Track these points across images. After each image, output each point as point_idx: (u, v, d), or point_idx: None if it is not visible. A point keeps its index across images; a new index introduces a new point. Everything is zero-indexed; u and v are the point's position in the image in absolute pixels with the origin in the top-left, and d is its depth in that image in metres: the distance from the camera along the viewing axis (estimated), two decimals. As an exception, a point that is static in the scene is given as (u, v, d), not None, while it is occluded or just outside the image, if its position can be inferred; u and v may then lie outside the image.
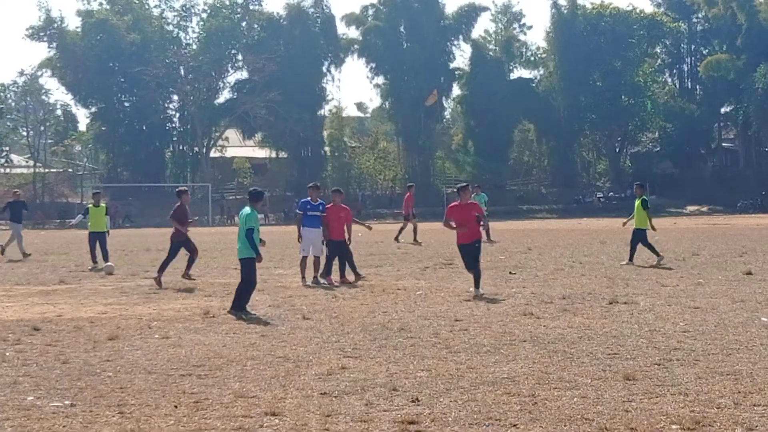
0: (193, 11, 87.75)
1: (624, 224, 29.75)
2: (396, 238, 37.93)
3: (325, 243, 22.72)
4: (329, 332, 14.70)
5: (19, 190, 40.72)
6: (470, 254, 19.75)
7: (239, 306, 16.86)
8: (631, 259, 26.27)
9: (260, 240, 17.50)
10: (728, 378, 10.63)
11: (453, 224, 19.92)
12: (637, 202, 27.15)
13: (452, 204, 20.49)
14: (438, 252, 31.63)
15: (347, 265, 23.01)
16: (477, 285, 19.32)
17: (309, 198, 23.21)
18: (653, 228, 27.33)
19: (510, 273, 24.12)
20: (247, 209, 17.51)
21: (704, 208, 76.66)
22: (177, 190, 24.92)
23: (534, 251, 32.12)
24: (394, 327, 15.03)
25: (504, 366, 11.60)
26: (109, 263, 27.27)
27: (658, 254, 26.13)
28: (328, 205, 23.12)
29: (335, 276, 22.70)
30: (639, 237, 26.64)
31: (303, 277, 22.51)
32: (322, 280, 22.35)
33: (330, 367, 11.63)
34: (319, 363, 12.01)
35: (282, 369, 11.64)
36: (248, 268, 17.35)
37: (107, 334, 14.66)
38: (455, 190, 24.63)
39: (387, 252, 32.89)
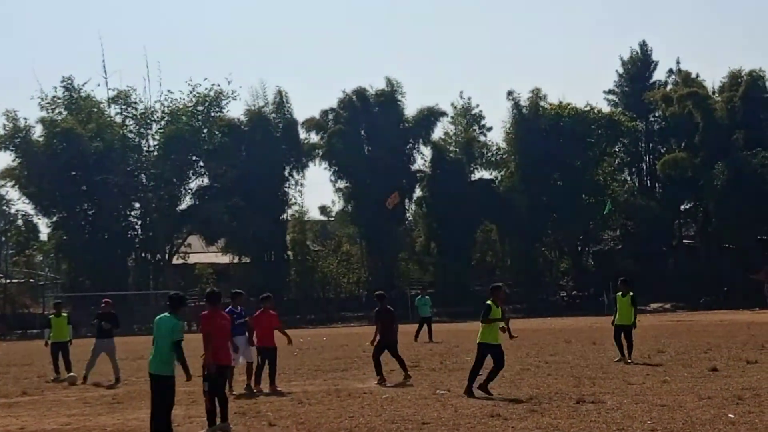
0: (152, 118, 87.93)
1: (613, 324, 27.79)
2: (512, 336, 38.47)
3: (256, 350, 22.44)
4: (296, 439, 14.58)
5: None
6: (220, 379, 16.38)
7: None
8: (629, 354, 26.47)
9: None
10: (698, 476, 10.61)
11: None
12: (626, 299, 27.28)
13: (203, 312, 16.85)
14: (403, 355, 31.52)
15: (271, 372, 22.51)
16: (225, 417, 16.23)
17: (231, 306, 22.45)
18: (635, 325, 27.43)
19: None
20: (170, 317, 15.20)
21: (668, 305, 76.67)
22: (377, 293, 25.56)
23: (500, 352, 32.06)
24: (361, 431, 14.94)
25: (473, 469, 11.53)
26: (71, 373, 27.02)
27: (623, 354, 26.34)
28: (258, 312, 22.71)
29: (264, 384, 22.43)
30: (629, 331, 26.83)
31: (230, 387, 22.05)
32: (255, 389, 22.06)
33: (298, 475, 11.53)
34: (287, 470, 11.90)
35: (249, 477, 11.52)
36: (171, 388, 15.08)
37: (71, 446, 14.49)
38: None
39: (352, 355, 32.76)
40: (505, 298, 22.12)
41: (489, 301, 20.38)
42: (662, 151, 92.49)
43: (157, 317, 15.42)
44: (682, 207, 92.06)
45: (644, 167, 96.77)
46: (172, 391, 15.06)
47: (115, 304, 29.69)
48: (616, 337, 27.11)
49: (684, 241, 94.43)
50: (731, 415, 15.31)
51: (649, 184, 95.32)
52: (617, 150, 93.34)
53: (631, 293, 27.40)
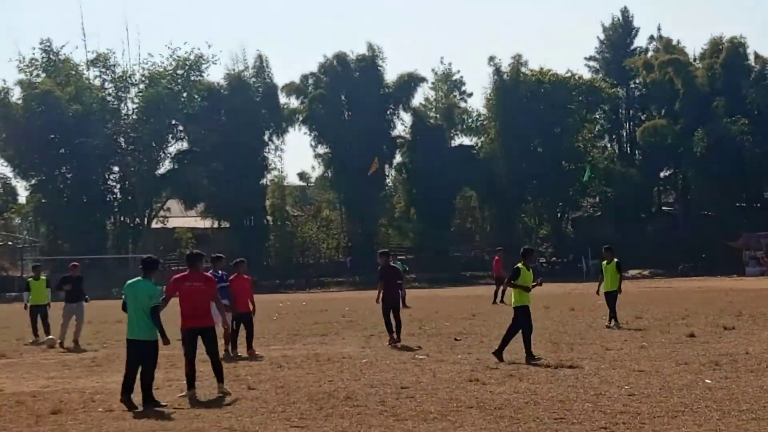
0: (131, 81, 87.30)
1: (598, 293, 28.24)
2: (495, 301, 38.69)
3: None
4: (275, 402, 14.59)
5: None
6: (206, 344, 15.96)
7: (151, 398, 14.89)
8: (616, 320, 26.57)
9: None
10: (674, 440, 10.66)
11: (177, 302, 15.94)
12: (611, 266, 27.36)
13: (175, 276, 16.32)
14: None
15: (250, 337, 22.61)
16: (221, 378, 16.08)
17: (212, 271, 21.65)
18: (620, 290, 27.56)
19: (455, 339, 24.17)
20: (146, 281, 15.06)
21: (646, 272, 76.73)
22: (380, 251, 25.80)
23: (478, 317, 32.14)
24: (340, 396, 14.96)
25: (451, 433, 11.55)
26: (50, 336, 26.96)
27: (616, 319, 26.50)
28: (232, 276, 22.72)
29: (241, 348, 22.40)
30: (612, 298, 26.92)
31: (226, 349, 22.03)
32: (231, 353, 21.99)
33: (276, 438, 11.53)
34: (266, 433, 11.89)
35: (228, 440, 11.52)
36: (156, 351, 15.07)
37: (50, 409, 14.47)
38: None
39: (332, 320, 32.79)
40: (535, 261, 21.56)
41: (519, 264, 19.93)
42: (642, 118, 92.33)
43: (130, 281, 15.29)
44: (662, 174, 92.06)
45: (624, 134, 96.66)
46: (157, 354, 15.10)
47: (81, 267, 29.30)
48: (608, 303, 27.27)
49: (663, 208, 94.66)
50: (708, 381, 15.39)
51: (628, 151, 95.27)
52: (597, 117, 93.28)
53: (616, 260, 27.52)
